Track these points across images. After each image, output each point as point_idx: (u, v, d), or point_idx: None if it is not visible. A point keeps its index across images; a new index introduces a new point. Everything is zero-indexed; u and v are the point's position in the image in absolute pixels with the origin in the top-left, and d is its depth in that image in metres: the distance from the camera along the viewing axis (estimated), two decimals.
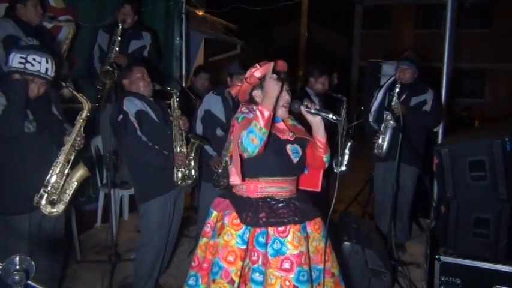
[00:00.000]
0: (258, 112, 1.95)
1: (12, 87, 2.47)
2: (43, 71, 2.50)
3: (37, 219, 2.68)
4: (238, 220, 2.04)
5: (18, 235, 2.61)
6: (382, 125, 3.86)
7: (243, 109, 2.17)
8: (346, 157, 4.00)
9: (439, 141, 4.32)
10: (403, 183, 4.00)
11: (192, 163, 3.15)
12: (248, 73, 2.13)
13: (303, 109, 2.09)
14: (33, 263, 1.05)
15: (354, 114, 4.83)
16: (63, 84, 2.71)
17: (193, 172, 3.15)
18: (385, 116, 3.82)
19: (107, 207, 4.16)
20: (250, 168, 2.08)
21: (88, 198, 4.47)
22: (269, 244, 2.01)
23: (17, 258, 1.04)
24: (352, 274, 3.07)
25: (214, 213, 2.18)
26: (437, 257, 2.82)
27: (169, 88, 3.22)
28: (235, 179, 2.04)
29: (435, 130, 4.40)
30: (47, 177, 2.60)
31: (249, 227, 2.03)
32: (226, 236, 2.04)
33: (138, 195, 3.18)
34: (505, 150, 2.84)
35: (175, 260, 3.78)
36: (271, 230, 2.02)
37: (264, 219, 2.02)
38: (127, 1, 4.20)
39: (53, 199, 2.61)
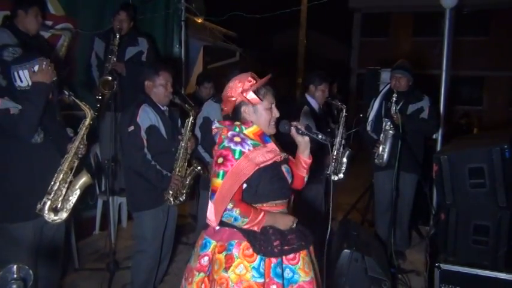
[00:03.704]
0: (256, 219, 1.86)
1: (36, 90, 2.53)
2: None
3: (39, 227, 2.69)
4: (251, 251, 1.86)
5: (22, 242, 2.62)
6: (382, 134, 3.87)
7: (233, 137, 1.92)
8: (345, 166, 4.00)
9: (438, 148, 4.32)
10: (403, 191, 4.00)
11: (185, 188, 3.14)
12: (239, 86, 1.97)
13: (293, 130, 2.01)
14: (31, 272, 1.04)
15: (353, 121, 4.84)
16: (66, 93, 2.72)
17: (184, 196, 3.14)
18: (384, 124, 3.83)
19: (105, 214, 4.15)
20: (254, 195, 1.95)
21: (86, 205, 4.45)
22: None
23: (15, 267, 1.03)
24: (351, 282, 3.06)
25: (213, 243, 1.94)
26: (437, 264, 2.81)
27: (187, 106, 3.15)
28: (211, 219, 1.85)
29: (434, 137, 4.41)
30: (50, 185, 2.60)
31: (263, 258, 1.86)
32: (237, 269, 1.84)
33: (131, 204, 3.23)
34: (504, 157, 2.85)
35: (173, 268, 3.76)
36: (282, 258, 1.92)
37: (279, 247, 1.88)
38: (123, 8, 4.22)
39: (56, 206, 2.62)
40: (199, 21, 6.55)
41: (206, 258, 1.93)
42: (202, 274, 1.92)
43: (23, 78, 2.54)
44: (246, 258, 1.86)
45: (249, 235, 1.89)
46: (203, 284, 1.90)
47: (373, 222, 4.60)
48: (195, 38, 6.85)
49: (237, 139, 1.91)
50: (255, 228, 1.88)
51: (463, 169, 2.98)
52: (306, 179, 2.18)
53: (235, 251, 1.87)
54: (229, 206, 1.84)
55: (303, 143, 2.06)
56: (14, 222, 2.61)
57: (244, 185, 1.93)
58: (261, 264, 1.86)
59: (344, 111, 4.01)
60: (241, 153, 1.88)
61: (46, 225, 2.70)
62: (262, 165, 1.90)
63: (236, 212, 1.84)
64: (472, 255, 2.89)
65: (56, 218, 2.61)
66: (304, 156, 2.09)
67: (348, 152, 4.02)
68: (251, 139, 1.95)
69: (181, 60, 5.69)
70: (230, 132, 1.95)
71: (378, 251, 3.46)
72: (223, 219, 1.85)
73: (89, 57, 4.25)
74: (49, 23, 3.97)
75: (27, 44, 3.32)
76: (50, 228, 2.74)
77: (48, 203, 2.58)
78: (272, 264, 1.88)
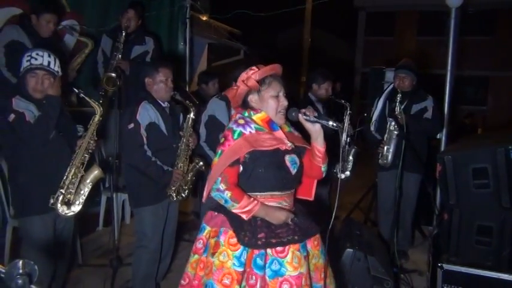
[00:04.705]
0: (247, 207, 1.90)
1: (49, 102, 2.61)
2: (45, 63, 2.63)
3: (52, 220, 2.77)
4: (235, 239, 1.91)
5: (41, 235, 2.70)
6: (386, 135, 3.85)
7: (238, 119, 2.00)
8: (351, 163, 3.99)
9: (442, 148, 4.31)
10: (406, 191, 3.99)
11: (188, 184, 3.15)
12: (245, 75, 2.01)
13: (301, 117, 1.98)
14: (36, 267, 1.05)
15: (357, 120, 4.82)
16: (76, 90, 2.77)
17: (186, 192, 3.15)
18: (388, 124, 3.82)
19: (109, 210, 4.17)
20: (247, 183, 1.97)
21: (92, 202, 4.47)
22: (267, 265, 1.90)
23: (20, 262, 1.03)
24: (354, 281, 3.06)
25: (207, 228, 2.03)
26: (439, 264, 2.80)
27: (188, 102, 3.15)
28: (205, 194, 1.99)
29: (438, 137, 4.40)
30: (63, 179, 2.68)
31: (246, 248, 1.90)
32: (221, 256, 1.91)
33: (131, 200, 3.28)
34: (508, 158, 2.84)
35: (176, 265, 3.77)
36: (269, 250, 1.92)
37: (263, 240, 1.90)
38: (131, 6, 4.23)
39: (69, 200, 2.69)
40: (204, 18, 6.56)
41: (201, 241, 2.03)
42: (196, 256, 2.02)
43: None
44: (230, 247, 1.92)
45: (235, 224, 1.93)
46: (199, 264, 2.00)
47: (376, 221, 4.60)
48: (200, 35, 6.86)
49: (240, 121, 1.98)
50: (244, 216, 1.92)
51: (466, 169, 2.98)
52: (323, 169, 2.10)
53: (222, 238, 1.95)
54: (222, 187, 1.90)
55: (314, 130, 2.01)
56: (27, 216, 2.70)
57: (241, 168, 1.95)
58: (243, 254, 1.91)
59: (348, 109, 4.00)
60: (241, 134, 1.94)
61: (57, 220, 2.78)
62: (259, 148, 1.92)
63: (227, 194, 1.89)
64: (475, 255, 2.88)
65: (68, 211, 2.69)
66: (318, 145, 2.03)
67: (354, 150, 4.01)
68: (257, 124, 1.99)
69: (186, 58, 5.70)
70: (238, 115, 2.02)
71: (381, 251, 3.46)
72: (215, 198, 1.93)
73: (95, 54, 4.27)
74: (72, 27, 4.03)
75: (38, 44, 3.35)
76: (59, 223, 2.82)
77: (61, 196, 2.66)
78: (254, 255, 1.90)
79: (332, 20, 18.95)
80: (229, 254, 1.90)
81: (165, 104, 3.10)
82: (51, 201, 2.64)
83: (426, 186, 4.16)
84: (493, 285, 2.67)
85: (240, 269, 1.89)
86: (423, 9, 16.03)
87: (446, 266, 2.78)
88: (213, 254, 1.93)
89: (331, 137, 2.21)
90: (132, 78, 3.97)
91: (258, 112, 2.02)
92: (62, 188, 2.66)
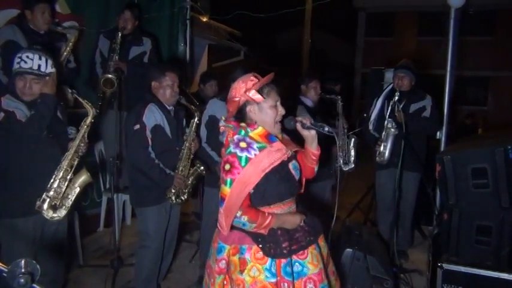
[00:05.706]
0: (264, 223, 1.91)
1: (44, 101, 2.58)
2: (35, 67, 2.56)
3: (40, 223, 2.71)
4: (261, 253, 1.95)
5: (23, 238, 2.64)
6: (383, 132, 3.87)
7: (238, 142, 1.94)
8: (353, 153, 4.01)
9: (442, 148, 4.32)
10: (406, 190, 4.01)
11: (188, 188, 3.18)
12: (243, 86, 1.99)
13: (298, 126, 2.05)
14: (38, 266, 1.06)
15: (357, 121, 4.84)
16: (70, 90, 2.74)
17: (185, 196, 3.17)
18: (386, 123, 3.84)
19: (109, 211, 4.18)
20: (262, 197, 2.00)
21: (91, 202, 4.48)
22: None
23: (23, 262, 1.04)
24: (353, 281, 3.07)
25: (227, 247, 2.02)
26: (439, 264, 2.81)
27: (193, 107, 3.18)
28: (223, 227, 1.93)
29: (437, 137, 4.41)
30: (50, 182, 2.62)
31: (274, 259, 1.96)
32: (251, 272, 1.94)
33: (134, 200, 3.29)
34: (507, 158, 2.85)
35: (177, 265, 3.79)
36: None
37: (288, 248, 1.97)
38: (127, 7, 4.24)
39: (55, 204, 2.63)
40: (205, 20, 6.58)
41: (223, 261, 2.03)
42: (222, 276, 2.03)
43: (29, 61, 2.55)
44: (257, 261, 1.95)
45: (257, 239, 1.96)
46: (224, 281, 2.02)
47: (375, 221, 4.61)
48: (200, 36, 6.88)
49: (242, 144, 1.93)
50: (263, 232, 1.95)
51: (466, 169, 2.99)
52: (316, 169, 2.21)
53: (247, 255, 1.96)
54: (238, 213, 1.90)
55: (310, 136, 2.09)
56: (15, 218, 2.63)
57: (252, 190, 1.95)
58: (273, 265, 1.95)
59: (339, 101, 4.02)
60: (248, 159, 1.90)
61: (47, 222, 2.71)
62: (268, 170, 1.93)
63: (244, 219, 1.91)
64: (475, 255, 2.89)
65: (54, 215, 2.63)
66: (312, 149, 2.12)
67: (353, 140, 4.02)
68: (257, 141, 1.96)
69: (186, 59, 5.71)
70: (236, 136, 1.96)
71: (380, 250, 3.47)
72: (234, 224, 1.94)
73: (93, 55, 4.27)
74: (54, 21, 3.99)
75: (37, 42, 3.34)
76: (51, 224, 2.76)
77: (48, 200, 2.60)
78: (282, 264, 1.96)
79: (332, 21, 18.96)
80: (259, 269, 1.94)
81: (170, 107, 3.13)
82: (37, 203, 2.58)
83: (426, 186, 4.17)
84: (492, 284, 2.68)
85: (274, 280, 1.94)
86: (423, 10, 16.02)
87: (446, 266, 2.79)
88: (241, 272, 1.95)
89: (323, 140, 2.24)
90: (130, 79, 3.98)
91: (255, 128, 1.99)
92: (49, 191, 2.60)
